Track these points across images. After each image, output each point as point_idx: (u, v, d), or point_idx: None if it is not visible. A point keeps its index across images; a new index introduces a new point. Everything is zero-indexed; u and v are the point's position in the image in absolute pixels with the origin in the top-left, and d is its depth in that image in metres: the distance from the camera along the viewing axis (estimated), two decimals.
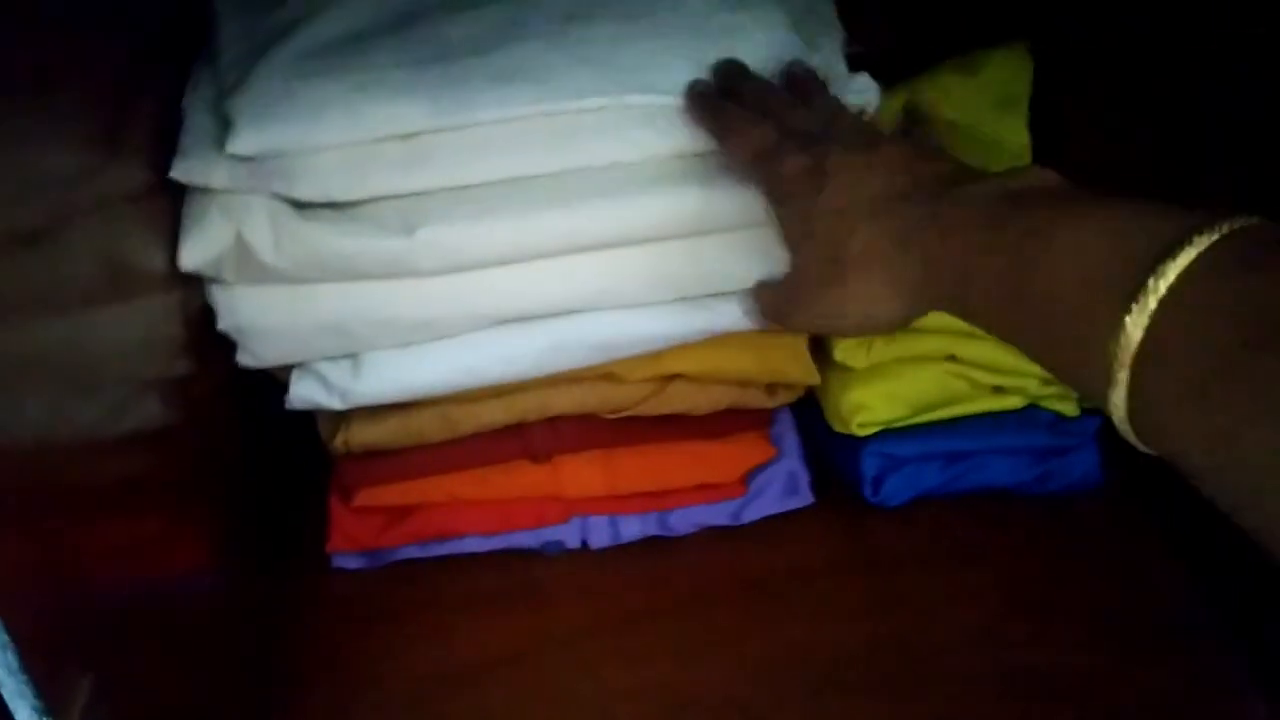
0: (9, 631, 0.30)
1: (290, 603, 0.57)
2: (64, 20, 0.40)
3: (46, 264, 0.36)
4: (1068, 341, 0.33)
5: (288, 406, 0.52)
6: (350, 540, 0.56)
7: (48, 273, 0.36)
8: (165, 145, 0.49)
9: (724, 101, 0.48)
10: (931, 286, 0.39)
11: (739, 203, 0.48)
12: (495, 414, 0.54)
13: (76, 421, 0.37)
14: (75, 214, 0.40)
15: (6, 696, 0.30)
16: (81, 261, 0.40)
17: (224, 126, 0.47)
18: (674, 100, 0.48)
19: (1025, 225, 0.36)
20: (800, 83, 0.49)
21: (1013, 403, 0.57)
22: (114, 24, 0.46)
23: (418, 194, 0.48)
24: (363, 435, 0.54)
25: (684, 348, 0.53)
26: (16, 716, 0.30)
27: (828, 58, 0.50)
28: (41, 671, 0.30)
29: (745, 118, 0.46)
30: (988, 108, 0.62)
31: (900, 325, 0.42)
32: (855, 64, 0.52)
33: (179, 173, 0.48)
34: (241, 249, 0.47)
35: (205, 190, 0.48)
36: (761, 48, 0.50)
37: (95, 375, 0.39)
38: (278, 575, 0.58)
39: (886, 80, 0.52)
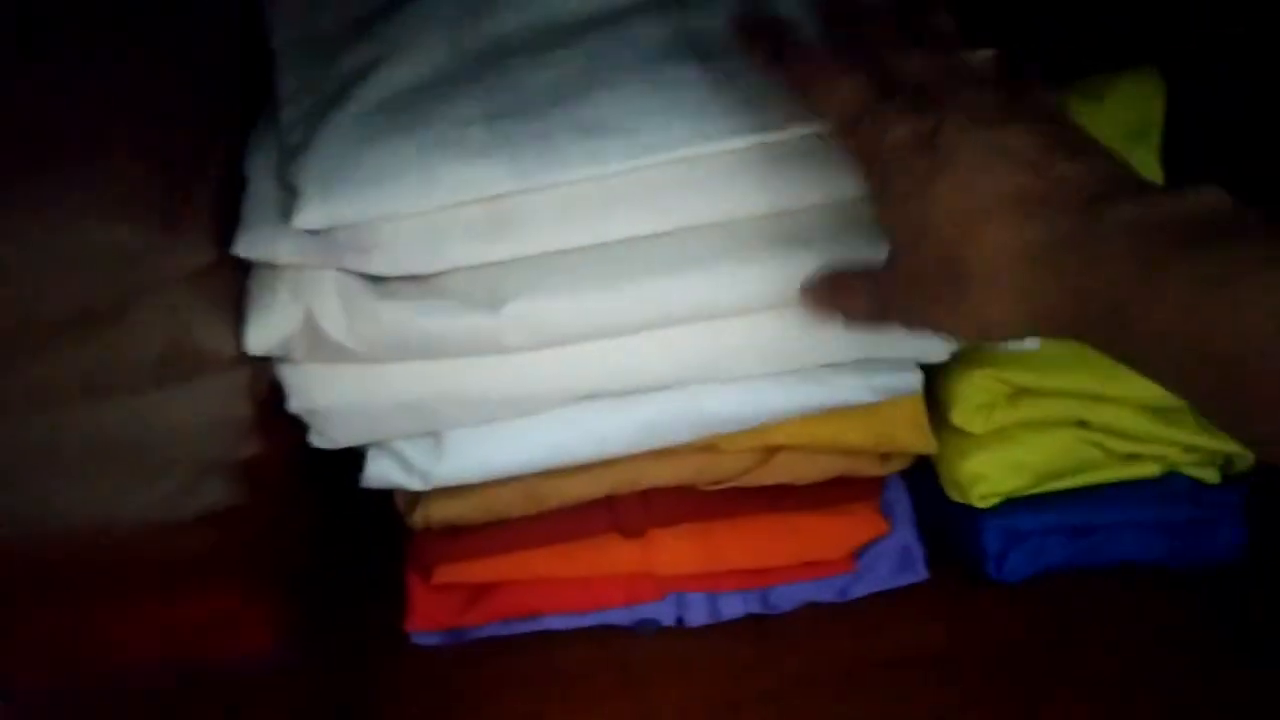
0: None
1: (367, 683, 0.54)
2: (121, 87, 0.37)
3: (110, 343, 0.34)
4: (1264, 416, 0.29)
5: (363, 485, 0.48)
6: (429, 620, 0.53)
7: (111, 352, 0.34)
8: (230, 215, 0.45)
9: (798, 40, 0.40)
10: (1073, 317, 0.33)
11: (858, 264, 0.43)
12: (584, 488, 0.50)
13: (141, 502, 0.34)
14: (138, 292, 0.37)
15: None
16: (146, 341, 0.37)
17: (288, 195, 0.44)
18: (785, 136, 0.43)
19: (1201, 272, 0.30)
20: (914, 7, 0.40)
21: (1148, 470, 0.52)
22: (174, 87, 0.43)
23: (503, 264, 0.44)
24: (443, 511, 0.50)
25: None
26: None
27: None
28: None
29: (830, 65, 0.39)
30: (1116, 138, 0.56)
31: (1029, 335, 0.36)
32: None
33: (242, 248, 0.44)
34: (312, 330, 0.43)
35: (271, 266, 0.44)
36: None
37: (161, 456, 0.37)
38: (353, 654, 0.54)
39: None
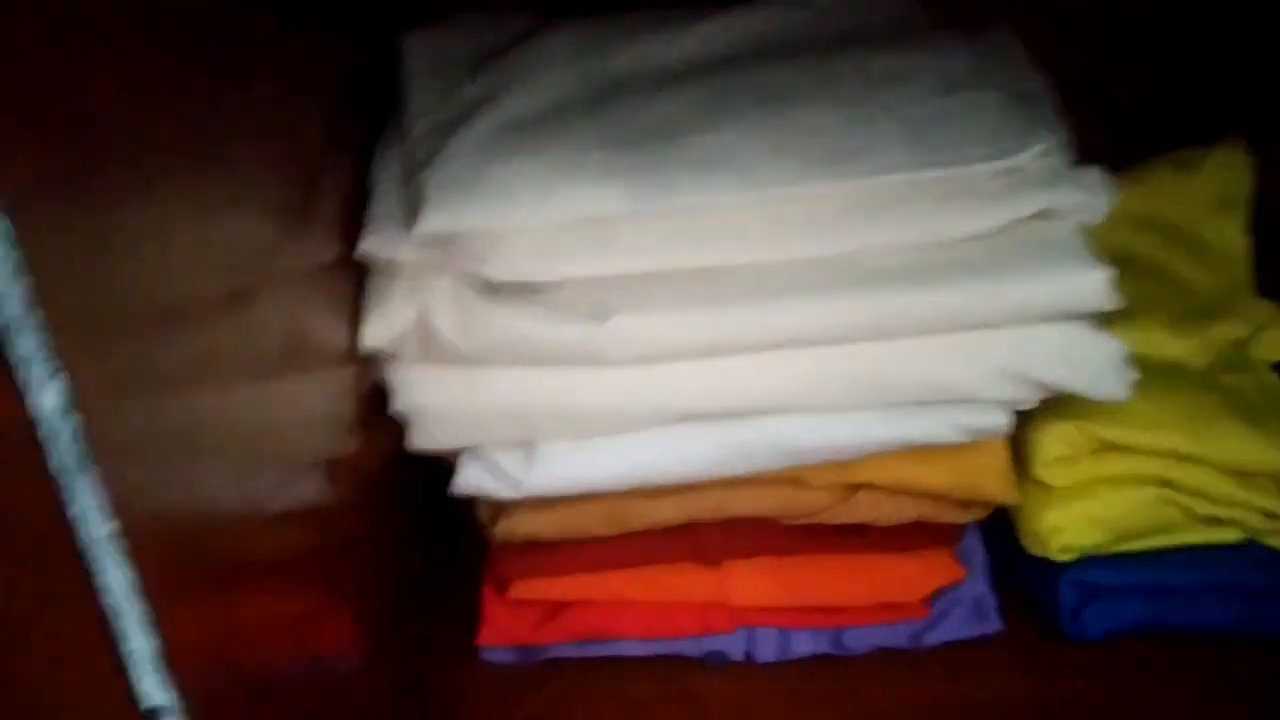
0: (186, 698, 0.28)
1: (435, 694, 0.54)
2: (255, 90, 0.39)
3: (236, 332, 0.35)
4: None
5: (452, 492, 0.50)
6: (502, 634, 0.53)
7: (237, 341, 0.35)
8: (352, 218, 0.48)
9: None
10: None
11: (953, 304, 0.45)
12: (666, 512, 0.51)
13: (248, 491, 0.35)
14: (262, 285, 0.39)
15: None
16: (269, 331, 0.39)
17: (413, 203, 0.46)
18: (889, 180, 0.45)
19: None
20: None
21: (1229, 536, 0.52)
22: (307, 92, 0.45)
23: (610, 279, 0.46)
24: (526, 525, 0.51)
25: (876, 455, 0.49)
26: None
27: (1054, 147, 0.46)
28: None
29: None
30: (1204, 208, 0.58)
31: None
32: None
33: (367, 248, 0.46)
34: (424, 330, 0.45)
35: (390, 267, 0.46)
36: (983, 133, 0.47)
37: (269, 447, 0.38)
38: (423, 663, 0.55)
39: None
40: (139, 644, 0.26)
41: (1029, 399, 0.48)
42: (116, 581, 0.25)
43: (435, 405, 0.47)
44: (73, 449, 0.23)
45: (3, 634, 0.25)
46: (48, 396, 0.23)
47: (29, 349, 0.22)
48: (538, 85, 0.50)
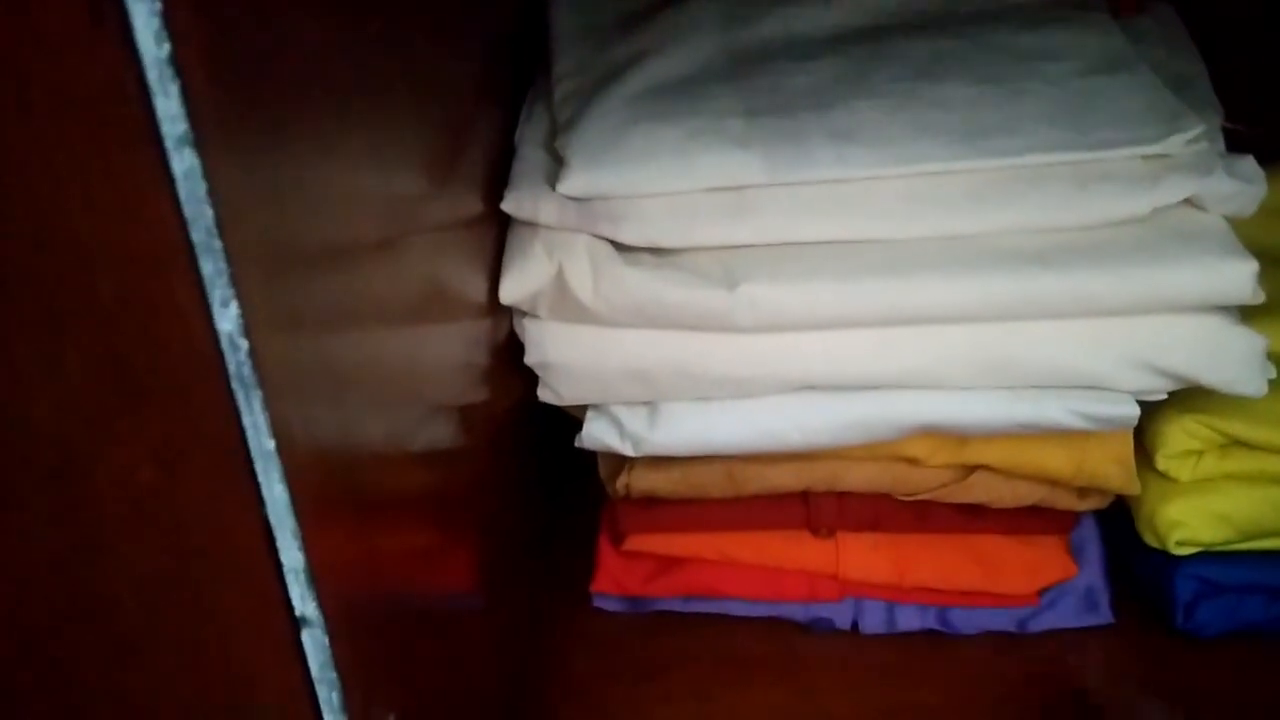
0: (330, 628, 0.30)
1: (546, 637, 0.57)
2: (409, 45, 0.41)
3: (380, 279, 0.36)
4: None
5: (577, 445, 0.51)
6: (615, 584, 0.55)
7: (381, 286, 0.37)
8: (496, 175, 0.49)
9: None
10: None
11: (1090, 289, 0.44)
12: (782, 478, 0.52)
13: (388, 426, 0.37)
14: (410, 234, 0.40)
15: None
16: (410, 279, 0.40)
17: (555, 163, 0.47)
18: (1030, 161, 0.45)
19: None
20: None
21: None
22: (456, 52, 0.47)
23: (742, 248, 0.46)
24: (644, 481, 0.52)
25: (995, 437, 0.49)
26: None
27: (1206, 134, 0.45)
28: (353, 667, 0.31)
29: None
30: None
31: None
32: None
33: (509, 205, 0.48)
34: (560, 287, 0.47)
35: (530, 225, 0.48)
36: (1133, 115, 0.46)
37: (409, 386, 0.40)
38: (538, 605, 0.57)
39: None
40: (291, 556, 0.28)
41: (1161, 390, 0.47)
42: (278, 494, 0.27)
43: (566, 361, 0.48)
44: (247, 366, 0.26)
45: (179, 534, 0.27)
46: (227, 317, 0.25)
47: (212, 272, 0.24)
48: (681, 51, 0.51)
